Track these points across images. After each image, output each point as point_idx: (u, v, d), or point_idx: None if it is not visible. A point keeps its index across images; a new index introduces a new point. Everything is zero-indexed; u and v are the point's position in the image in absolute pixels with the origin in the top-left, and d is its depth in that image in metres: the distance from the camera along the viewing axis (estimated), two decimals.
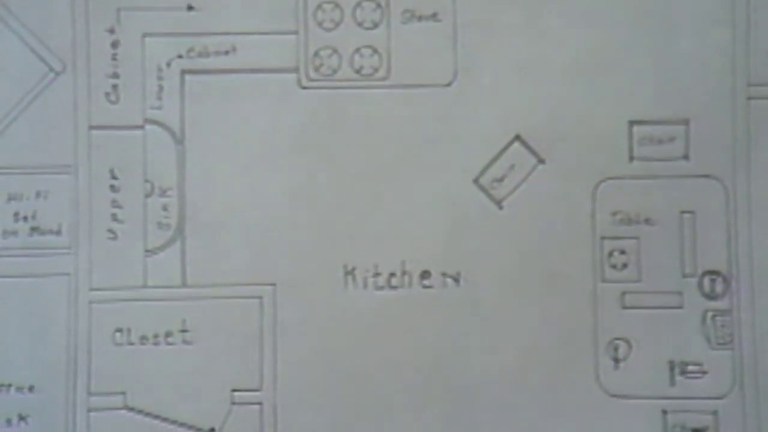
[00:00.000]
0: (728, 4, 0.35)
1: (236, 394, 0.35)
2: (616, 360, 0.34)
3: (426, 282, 0.35)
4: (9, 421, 0.35)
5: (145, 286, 0.35)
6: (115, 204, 0.35)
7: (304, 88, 0.36)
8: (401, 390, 0.35)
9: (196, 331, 0.35)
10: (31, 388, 0.35)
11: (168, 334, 0.35)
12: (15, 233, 0.35)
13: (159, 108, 0.35)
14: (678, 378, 0.34)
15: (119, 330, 0.35)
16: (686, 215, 0.35)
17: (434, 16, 0.35)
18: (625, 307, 0.35)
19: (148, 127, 0.35)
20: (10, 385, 0.35)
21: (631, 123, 0.35)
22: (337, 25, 0.36)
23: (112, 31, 0.36)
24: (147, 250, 0.35)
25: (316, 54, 0.36)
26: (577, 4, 0.35)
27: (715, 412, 0.34)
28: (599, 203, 0.35)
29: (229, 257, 0.35)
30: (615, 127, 0.35)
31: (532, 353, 0.35)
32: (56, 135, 0.35)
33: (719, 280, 0.34)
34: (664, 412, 0.34)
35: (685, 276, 0.35)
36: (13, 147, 0.35)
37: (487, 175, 0.35)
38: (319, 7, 0.36)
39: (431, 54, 0.36)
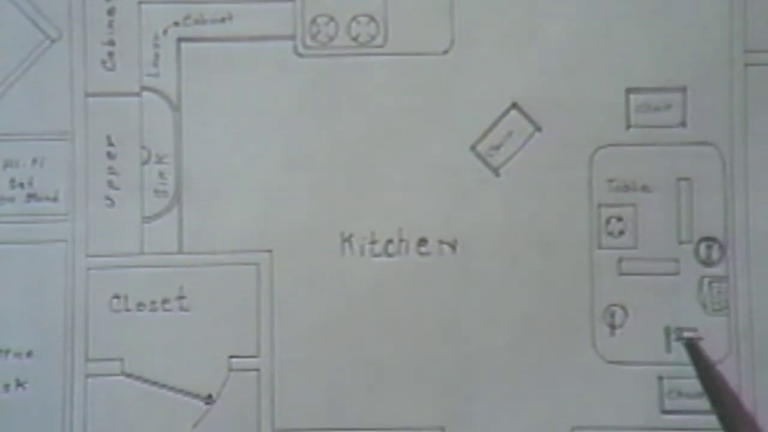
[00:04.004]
0: None
1: (234, 360, 0.35)
2: (613, 326, 0.35)
3: (423, 249, 0.35)
4: (7, 387, 0.35)
5: (142, 253, 0.35)
6: (111, 171, 0.35)
7: (301, 56, 0.36)
8: (398, 357, 0.35)
9: (193, 298, 0.35)
10: (29, 354, 0.35)
11: (165, 301, 0.35)
12: (11, 200, 0.35)
13: (156, 75, 0.35)
14: (674, 344, 0.34)
15: (116, 296, 0.35)
16: (683, 182, 0.35)
17: None
18: (621, 274, 0.35)
19: (144, 94, 0.35)
20: (8, 351, 0.35)
21: (628, 90, 0.35)
22: None
23: None
24: (144, 217, 0.35)
25: (312, 22, 0.36)
26: None
27: None
28: (596, 171, 0.35)
29: (227, 224, 0.35)
30: (612, 94, 0.35)
31: (529, 320, 0.35)
32: (52, 102, 0.35)
33: (716, 246, 0.35)
34: (660, 378, 0.34)
35: (681, 243, 0.35)
36: (9, 114, 0.35)
37: (484, 142, 0.35)
38: None
39: (428, 22, 0.35)
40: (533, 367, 0.35)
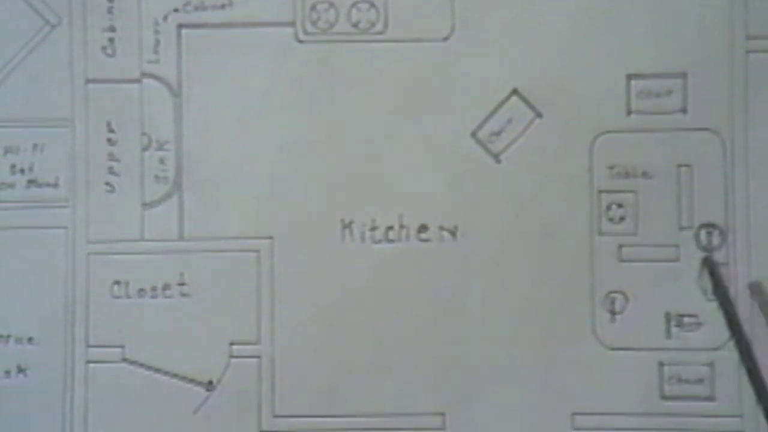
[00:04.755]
0: None
1: (234, 347, 0.35)
2: (613, 312, 0.35)
3: (423, 235, 0.35)
4: (8, 373, 0.35)
5: (142, 239, 0.35)
6: (112, 157, 0.35)
7: (301, 42, 0.35)
8: (398, 343, 0.35)
9: (193, 285, 0.35)
10: (30, 340, 0.35)
11: (166, 287, 0.35)
12: (12, 186, 0.35)
13: (156, 62, 0.35)
14: (674, 330, 0.34)
15: (117, 282, 0.35)
16: (683, 168, 0.35)
17: None
18: (622, 260, 0.35)
19: (145, 80, 0.35)
20: (9, 337, 0.35)
21: (629, 77, 0.35)
22: None
23: None
24: (144, 204, 0.35)
25: (313, 8, 0.36)
26: None
27: (710, 364, 0.34)
28: (597, 157, 0.35)
29: (227, 211, 0.35)
30: (613, 80, 0.35)
31: (529, 306, 0.35)
32: (53, 88, 0.35)
33: (716, 232, 0.35)
34: (661, 364, 0.34)
35: (681, 229, 0.35)
36: (10, 100, 0.35)
37: (484, 128, 0.35)
38: None
39: (429, 8, 0.35)
40: (533, 353, 0.35)
